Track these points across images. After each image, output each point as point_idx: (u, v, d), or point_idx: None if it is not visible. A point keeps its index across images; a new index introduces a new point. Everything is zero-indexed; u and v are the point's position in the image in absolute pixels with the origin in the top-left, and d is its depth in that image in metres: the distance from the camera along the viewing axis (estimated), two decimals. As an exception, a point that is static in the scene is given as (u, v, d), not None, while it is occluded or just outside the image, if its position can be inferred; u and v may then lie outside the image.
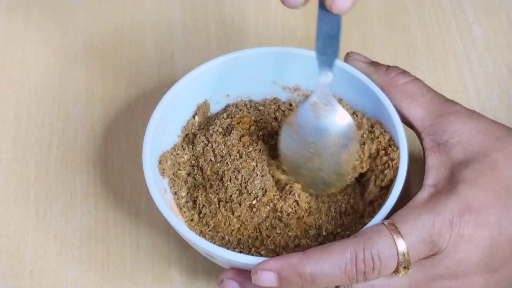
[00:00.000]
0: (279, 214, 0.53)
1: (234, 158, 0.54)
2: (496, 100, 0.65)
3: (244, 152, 0.55)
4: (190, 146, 0.57)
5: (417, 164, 0.56)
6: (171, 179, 0.56)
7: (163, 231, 0.58)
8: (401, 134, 0.52)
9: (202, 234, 0.53)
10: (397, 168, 0.52)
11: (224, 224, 0.53)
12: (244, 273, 0.49)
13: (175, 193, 0.55)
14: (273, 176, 0.54)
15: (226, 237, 0.53)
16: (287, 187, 0.54)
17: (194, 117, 0.58)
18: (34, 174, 0.61)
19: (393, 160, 0.53)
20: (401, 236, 0.46)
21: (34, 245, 0.58)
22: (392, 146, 0.53)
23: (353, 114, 0.57)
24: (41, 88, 0.66)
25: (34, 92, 0.66)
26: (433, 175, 0.50)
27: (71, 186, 0.61)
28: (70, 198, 0.60)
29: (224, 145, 0.55)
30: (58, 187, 0.61)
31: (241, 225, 0.53)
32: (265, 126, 0.58)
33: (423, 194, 0.49)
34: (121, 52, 0.68)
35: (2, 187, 0.61)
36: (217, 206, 0.53)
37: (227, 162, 0.54)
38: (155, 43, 0.69)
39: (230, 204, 0.53)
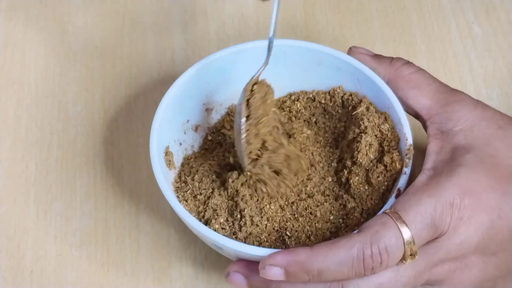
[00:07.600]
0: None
1: None
2: (496, 100, 0.65)
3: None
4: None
5: (421, 154, 0.56)
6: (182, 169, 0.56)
7: (163, 231, 0.58)
8: (406, 126, 0.53)
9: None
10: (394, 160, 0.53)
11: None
12: (250, 266, 0.49)
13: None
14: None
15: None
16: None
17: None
18: (34, 174, 0.61)
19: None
20: (406, 224, 0.46)
21: (34, 245, 0.58)
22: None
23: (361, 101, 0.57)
24: (41, 88, 0.66)
25: (34, 92, 0.66)
26: (432, 159, 0.50)
27: (71, 186, 0.61)
28: (70, 198, 0.60)
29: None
30: (58, 187, 0.61)
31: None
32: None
33: (422, 178, 0.49)
34: (121, 52, 0.68)
35: (2, 187, 0.61)
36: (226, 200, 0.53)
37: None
38: (155, 43, 0.69)
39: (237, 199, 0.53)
